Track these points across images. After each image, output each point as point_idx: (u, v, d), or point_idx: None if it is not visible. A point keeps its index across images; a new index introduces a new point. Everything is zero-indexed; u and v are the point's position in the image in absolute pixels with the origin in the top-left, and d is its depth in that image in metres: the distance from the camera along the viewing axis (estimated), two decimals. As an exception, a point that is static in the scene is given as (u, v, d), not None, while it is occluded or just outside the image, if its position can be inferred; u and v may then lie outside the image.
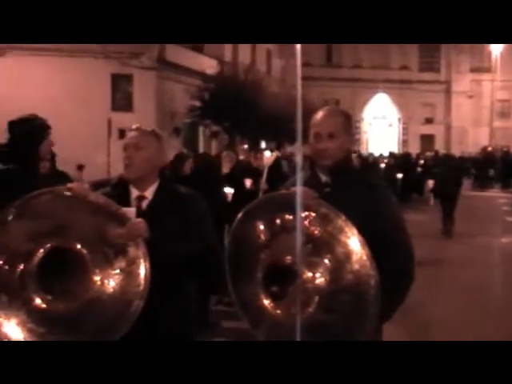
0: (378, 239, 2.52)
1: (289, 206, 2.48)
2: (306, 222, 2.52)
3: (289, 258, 2.53)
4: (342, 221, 2.47)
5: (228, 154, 8.67)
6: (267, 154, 8.46)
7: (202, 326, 4.73)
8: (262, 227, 2.62)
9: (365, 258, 2.42)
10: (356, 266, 2.44)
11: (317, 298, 2.49)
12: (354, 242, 2.45)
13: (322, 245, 2.51)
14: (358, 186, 2.75)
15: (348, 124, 2.88)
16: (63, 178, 3.71)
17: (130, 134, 2.98)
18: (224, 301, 7.03)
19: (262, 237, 2.62)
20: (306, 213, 2.52)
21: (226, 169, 7.80)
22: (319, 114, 2.82)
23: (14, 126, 3.77)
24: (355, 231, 2.45)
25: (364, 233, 2.45)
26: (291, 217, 2.53)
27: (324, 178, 2.81)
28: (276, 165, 8.63)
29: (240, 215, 2.66)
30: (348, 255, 2.46)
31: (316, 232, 2.51)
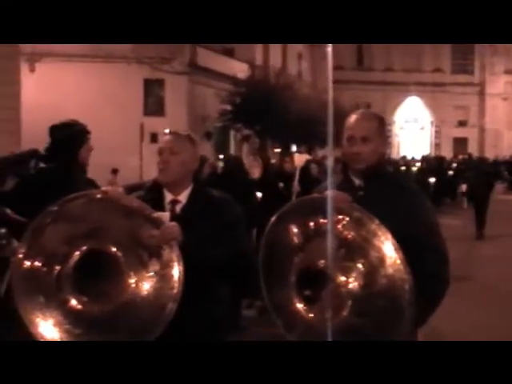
0: (412, 243, 2.50)
1: (322, 210, 2.48)
2: (340, 226, 2.52)
3: (322, 261, 2.52)
4: (375, 225, 2.46)
5: (254, 159, 8.66)
6: (298, 155, 8.42)
7: (233, 330, 4.75)
8: (295, 231, 2.63)
9: (399, 262, 2.41)
10: (390, 271, 2.43)
11: (350, 303, 2.48)
12: (387, 246, 2.44)
13: (356, 249, 2.50)
14: (392, 190, 2.73)
15: (382, 128, 2.87)
16: (93, 186, 3.77)
17: (165, 138, 2.99)
18: (256, 304, 7.04)
19: (296, 240, 2.62)
20: (340, 217, 2.52)
21: (253, 174, 7.75)
22: (353, 118, 2.82)
23: (55, 130, 3.85)
24: (389, 235, 2.43)
25: (398, 237, 2.44)
26: (325, 220, 2.53)
27: (357, 181, 2.80)
28: (307, 167, 8.62)
29: (274, 218, 2.67)
30: (382, 259, 2.45)
31: (349, 236, 2.51)
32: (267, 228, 2.68)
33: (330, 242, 2.45)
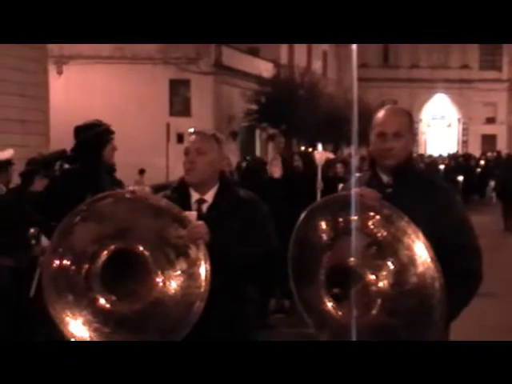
0: (445, 240, 2.48)
1: (351, 207, 2.47)
2: (369, 224, 2.50)
3: (351, 259, 2.51)
4: (405, 222, 2.43)
5: (275, 158, 8.61)
6: (318, 153, 8.42)
7: (262, 329, 4.75)
8: (324, 228, 2.61)
9: (429, 260, 2.38)
10: (420, 269, 2.40)
11: (380, 301, 2.46)
12: (417, 244, 2.41)
13: (385, 247, 2.48)
14: (422, 187, 2.71)
15: (411, 124, 2.85)
16: (120, 187, 3.81)
17: (192, 138, 2.99)
18: (285, 304, 7.04)
19: (325, 238, 2.60)
20: (369, 214, 2.50)
21: (275, 173, 7.69)
22: (383, 114, 2.78)
23: (79, 131, 3.91)
24: (419, 233, 2.41)
25: (429, 234, 2.41)
26: (354, 218, 2.51)
27: (386, 178, 2.77)
28: (329, 165, 8.62)
29: (303, 216, 2.66)
30: (412, 257, 2.42)
31: (379, 234, 2.49)
32: (296, 226, 2.68)
33: (354, 240, 2.44)
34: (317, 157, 8.23)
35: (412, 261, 2.43)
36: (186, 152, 2.95)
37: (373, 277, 2.47)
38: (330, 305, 2.56)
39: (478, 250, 2.69)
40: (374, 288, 2.46)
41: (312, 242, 2.63)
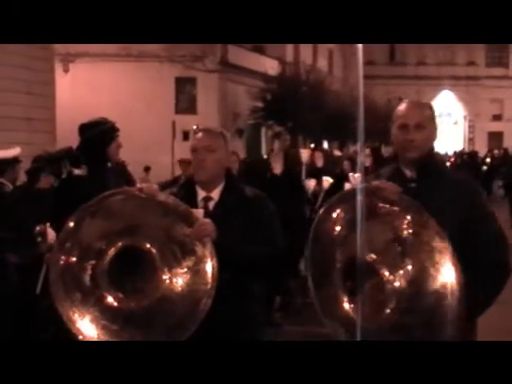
0: (471, 232, 2.47)
1: (371, 201, 2.43)
2: (389, 219, 2.47)
3: (372, 255, 2.46)
4: (425, 218, 2.39)
5: (276, 154, 8.59)
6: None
7: (267, 327, 4.75)
8: (341, 223, 2.58)
9: (449, 257, 2.35)
10: (439, 267, 2.37)
11: (396, 299, 2.42)
12: (437, 240, 2.37)
13: (405, 243, 2.44)
14: (445, 180, 2.68)
15: (434, 116, 2.82)
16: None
17: (199, 136, 2.98)
18: (292, 301, 7.04)
19: (343, 232, 2.56)
20: (389, 208, 2.46)
21: (276, 169, 7.69)
22: (404, 106, 2.78)
23: (84, 128, 3.92)
24: (438, 228, 2.36)
25: (456, 227, 2.40)
26: (376, 210, 2.47)
27: (408, 172, 2.74)
28: (335, 161, 8.67)
29: (321, 212, 2.64)
30: (431, 254, 2.38)
31: (399, 230, 2.45)
32: (314, 222, 2.66)
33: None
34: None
35: (431, 258, 2.38)
36: (194, 150, 2.94)
37: (390, 275, 2.43)
38: (345, 300, 2.52)
39: (504, 239, 2.66)
40: (389, 286, 2.42)
41: (330, 238, 2.61)
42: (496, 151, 28.12)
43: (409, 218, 2.45)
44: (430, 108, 2.84)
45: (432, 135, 2.78)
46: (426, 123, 2.73)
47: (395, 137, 2.76)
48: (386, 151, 8.20)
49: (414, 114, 2.72)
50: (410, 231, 2.44)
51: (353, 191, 2.69)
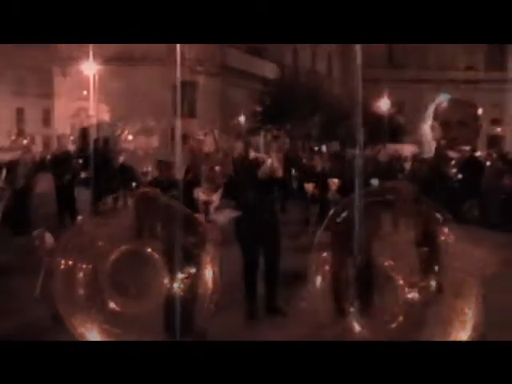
0: None
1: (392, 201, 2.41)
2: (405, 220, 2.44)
3: (389, 262, 2.42)
4: (443, 222, 2.32)
5: (276, 157, 8.56)
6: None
7: (270, 313, 4.69)
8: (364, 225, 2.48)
9: (468, 264, 2.28)
10: (457, 272, 2.31)
11: (408, 312, 2.38)
12: (453, 249, 2.31)
13: (428, 256, 2.38)
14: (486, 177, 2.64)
15: (477, 115, 2.72)
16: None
17: (208, 141, 3.03)
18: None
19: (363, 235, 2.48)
20: (405, 209, 2.42)
21: (279, 173, 7.67)
22: (446, 103, 2.68)
23: (84, 133, 3.94)
24: (452, 237, 2.31)
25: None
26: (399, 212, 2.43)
27: (450, 171, 2.63)
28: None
29: (344, 214, 2.60)
30: (448, 259, 2.34)
31: (417, 233, 2.41)
32: (323, 225, 2.62)
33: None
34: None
35: (450, 270, 2.33)
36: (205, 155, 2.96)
37: (407, 287, 2.37)
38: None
39: None
40: (403, 297, 2.37)
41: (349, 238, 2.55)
42: (495, 155, 28.07)
43: (424, 218, 2.39)
44: (473, 106, 2.75)
45: (475, 133, 2.66)
46: (470, 120, 2.63)
47: (435, 134, 2.65)
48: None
49: (456, 111, 2.63)
50: (427, 233, 2.38)
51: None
